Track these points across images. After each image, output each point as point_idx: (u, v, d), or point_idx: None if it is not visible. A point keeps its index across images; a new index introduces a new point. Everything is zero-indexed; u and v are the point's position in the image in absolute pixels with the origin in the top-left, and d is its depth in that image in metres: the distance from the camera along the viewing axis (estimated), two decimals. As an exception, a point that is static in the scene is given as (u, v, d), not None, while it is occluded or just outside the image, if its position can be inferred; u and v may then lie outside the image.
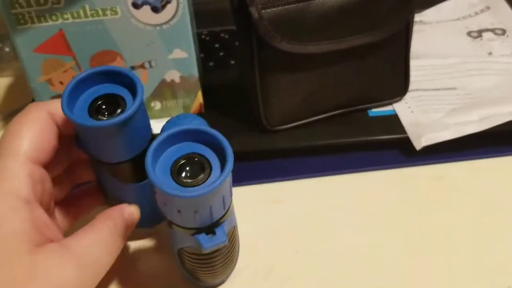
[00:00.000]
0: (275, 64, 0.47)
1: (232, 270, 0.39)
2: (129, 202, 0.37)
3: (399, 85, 0.53)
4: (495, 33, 0.64)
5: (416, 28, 0.65)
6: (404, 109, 0.52)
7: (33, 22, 0.46)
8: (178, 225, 0.33)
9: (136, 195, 0.37)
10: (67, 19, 0.46)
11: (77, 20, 0.46)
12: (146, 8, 0.46)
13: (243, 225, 0.43)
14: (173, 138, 0.32)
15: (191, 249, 0.35)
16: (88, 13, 0.46)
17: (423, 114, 0.51)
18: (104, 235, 0.33)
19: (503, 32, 0.64)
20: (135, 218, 0.36)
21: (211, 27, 0.68)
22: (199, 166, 0.31)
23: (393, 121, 0.51)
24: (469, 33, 0.64)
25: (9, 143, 0.32)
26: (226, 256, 0.36)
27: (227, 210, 0.33)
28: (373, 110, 0.53)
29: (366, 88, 0.51)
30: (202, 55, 0.63)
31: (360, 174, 0.49)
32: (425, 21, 0.67)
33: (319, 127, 0.51)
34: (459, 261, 0.40)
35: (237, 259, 0.39)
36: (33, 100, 0.52)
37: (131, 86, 0.33)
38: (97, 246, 0.32)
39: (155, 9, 0.46)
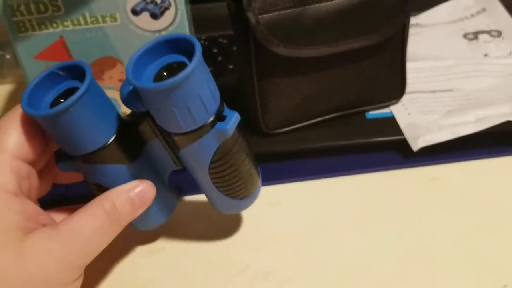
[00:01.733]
0: (273, 68, 0.47)
1: (259, 183, 0.40)
2: None
3: (396, 87, 0.53)
4: (491, 35, 0.64)
5: (412, 30, 0.66)
6: (401, 111, 0.53)
7: (34, 30, 0.46)
8: (196, 129, 0.33)
9: (136, 177, 0.37)
10: (68, 26, 0.47)
11: (77, 27, 0.47)
12: (145, 15, 0.47)
13: (242, 226, 0.44)
14: (149, 53, 0.33)
15: (220, 154, 0.35)
16: (88, 20, 0.46)
17: (420, 115, 0.52)
18: (96, 217, 0.33)
19: (499, 34, 0.64)
20: (148, 195, 0.36)
21: (210, 32, 0.69)
22: (177, 70, 0.31)
23: (391, 123, 0.52)
24: (465, 35, 0.65)
25: None
26: (248, 152, 0.38)
27: (221, 103, 0.34)
28: (371, 112, 0.54)
29: (363, 90, 0.52)
30: (201, 60, 0.64)
31: (358, 176, 0.49)
32: (421, 24, 0.68)
33: (317, 130, 0.52)
34: (455, 261, 0.41)
35: (259, 172, 0.40)
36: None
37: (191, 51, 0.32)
38: (86, 228, 0.32)
39: (154, 16, 0.47)
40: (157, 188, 0.37)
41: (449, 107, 0.53)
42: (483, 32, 0.65)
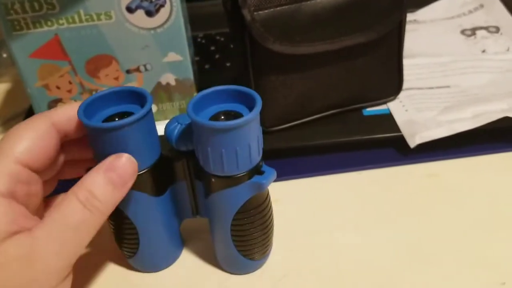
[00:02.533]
0: (269, 65, 0.47)
1: (269, 250, 0.40)
2: (146, 227, 0.37)
3: (392, 84, 0.53)
4: (489, 31, 0.64)
5: (410, 27, 0.66)
6: (399, 107, 0.53)
7: (28, 28, 0.46)
8: (236, 176, 0.34)
9: (155, 211, 0.37)
10: (62, 24, 0.46)
11: (72, 25, 0.47)
12: (140, 12, 0.47)
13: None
14: (208, 98, 0.35)
15: (248, 206, 0.36)
16: (83, 18, 0.46)
17: (417, 112, 0.52)
18: (72, 214, 0.31)
19: (497, 29, 0.64)
20: (127, 170, 0.33)
21: (207, 30, 0.69)
22: (234, 117, 0.34)
23: (388, 120, 0.52)
24: (462, 31, 0.65)
25: (3, 144, 0.33)
26: (271, 215, 0.38)
27: (261, 159, 0.36)
28: (368, 109, 0.53)
29: (360, 88, 0.52)
30: (197, 58, 0.64)
31: (356, 173, 0.49)
32: (419, 20, 0.68)
33: (314, 127, 0.51)
34: (453, 257, 0.41)
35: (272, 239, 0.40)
36: (31, 105, 0.52)
37: (251, 102, 0.34)
38: (64, 230, 0.31)
39: (149, 13, 0.47)
40: (169, 231, 0.39)
41: (447, 104, 0.52)
42: (480, 28, 0.65)
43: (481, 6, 0.68)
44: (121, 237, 0.38)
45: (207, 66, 0.63)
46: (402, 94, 0.54)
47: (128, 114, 0.34)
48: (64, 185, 0.38)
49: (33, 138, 0.33)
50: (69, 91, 0.50)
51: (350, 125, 0.52)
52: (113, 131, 0.32)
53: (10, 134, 0.33)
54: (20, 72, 0.49)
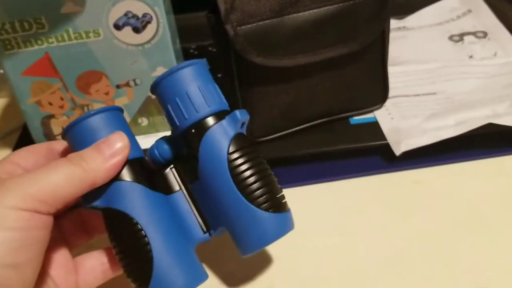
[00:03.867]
0: (254, 77, 0.48)
1: (287, 206, 0.38)
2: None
3: (378, 93, 0.54)
4: (477, 36, 0.65)
5: (398, 34, 0.67)
6: (385, 115, 0.53)
7: (19, 47, 0.48)
8: (201, 119, 0.36)
9: (159, 207, 0.35)
10: (52, 43, 0.48)
11: (61, 43, 0.48)
12: (128, 29, 0.48)
13: (225, 236, 0.44)
14: None
15: (236, 145, 0.36)
16: (72, 36, 0.48)
17: (402, 120, 0.52)
18: (56, 164, 0.32)
19: (485, 35, 0.65)
20: (118, 139, 0.34)
21: (199, 41, 0.70)
22: None
23: (374, 128, 0.52)
24: (450, 37, 0.65)
25: None
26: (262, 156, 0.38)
27: (227, 110, 0.38)
28: (355, 118, 0.54)
29: (346, 97, 0.52)
30: (189, 70, 0.65)
31: (343, 181, 0.50)
32: (408, 27, 0.68)
33: (302, 136, 0.52)
34: (435, 261, 0.41)
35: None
36: (25, 122, 0.53)
37: None
38: (45, 173, 0.31)
39: (136, 30, 0.48)
40: (183, 240, 0.36)
41: (432, 111, 0.53)
42: (468, 33, 0.65)
43: (469, 11, 0.69)
44: (130, 258, 0.35)
45: (198, 78, 0.63)
46: (388, 102, 0.55)
47: None
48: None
49: (31, 149, 0.37)
50: (61, 107, 0.51)
51: (337, 134, 0.52)
52: (78, 123, 0.34)
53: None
54: (13, 89, 0.50)
